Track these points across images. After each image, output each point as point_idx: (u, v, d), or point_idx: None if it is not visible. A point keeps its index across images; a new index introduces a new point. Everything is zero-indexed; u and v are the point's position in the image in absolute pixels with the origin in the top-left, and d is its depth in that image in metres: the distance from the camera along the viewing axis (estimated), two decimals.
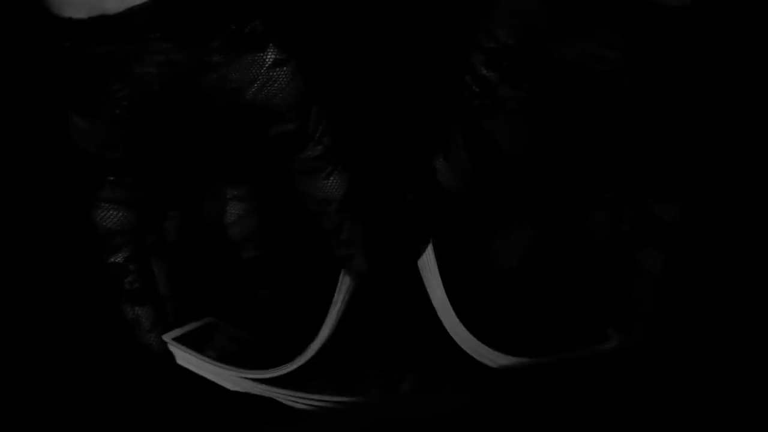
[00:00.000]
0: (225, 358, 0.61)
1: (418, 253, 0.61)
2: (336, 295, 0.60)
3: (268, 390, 0.58)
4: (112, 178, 0.55)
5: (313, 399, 0.57)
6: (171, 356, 0.60)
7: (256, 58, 0.52)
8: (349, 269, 0.60)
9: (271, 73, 0.53)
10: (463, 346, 0.61)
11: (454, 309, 0.61)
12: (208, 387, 0.58)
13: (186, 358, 0.60)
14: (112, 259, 0.58)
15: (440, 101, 0.59)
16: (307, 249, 0.67)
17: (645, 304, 0.61)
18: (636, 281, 0.61)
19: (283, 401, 0.57)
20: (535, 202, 0.65)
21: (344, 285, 0.60)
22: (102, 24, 0.49)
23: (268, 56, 0.52)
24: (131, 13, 0.49)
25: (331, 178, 0.57)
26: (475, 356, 0.60)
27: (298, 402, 0.57)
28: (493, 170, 0.59)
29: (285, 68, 0.53)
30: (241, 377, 0.59)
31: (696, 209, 0.61)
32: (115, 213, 0.57)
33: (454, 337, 0.61)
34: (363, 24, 0.68)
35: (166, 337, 0.60)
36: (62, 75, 0.52)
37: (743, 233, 0.66)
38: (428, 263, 0.61)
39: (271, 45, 0.52)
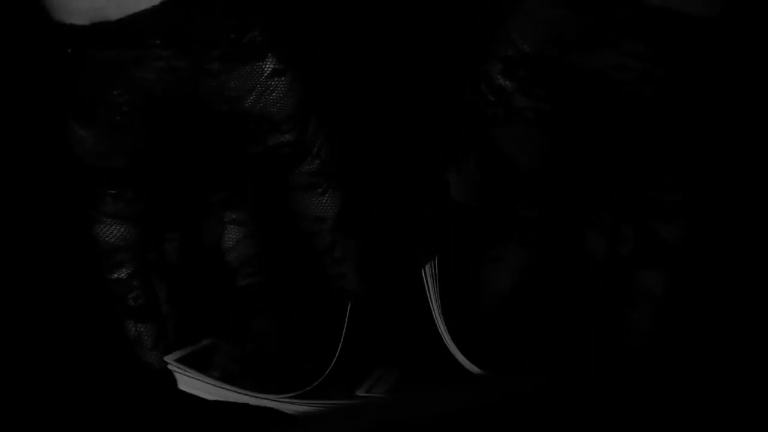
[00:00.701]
0: (228, 378, 0.61)
1: (421, 264, 0.61)
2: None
3: (265, 402, 0.58)
4: (113, 191, 0.56)
5: (312, 405, 0.57)
6: (172, 377, 0.60)
7: (255, 67, 0.54)
8: (342, 288, 0.60)
9: (269, 83, 0.54)
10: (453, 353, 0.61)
11: (448, 328, 0.61)
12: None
13: (188, 382, 0.60)
14: (115, 275, 0.58)
15: (452, 111, 0.59)
16: (305, 274, 0.67)
17: (643, 326, 0.60)
18: (636, 304, 0.60)
19: (282, 409, 0.57)
20: (530, 221, 0.65)
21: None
22: (103, 30, 0.50)
23: (267, 66, 0.54)
24: (132, 19, 0.50)
25: (327, 195, 0.58)
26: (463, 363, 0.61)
27: (297, 410, 0.57)
28: (503, 184, 0.59)
29: (283, 78, 0.54)
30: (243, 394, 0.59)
31: (701, 228, 0.60)
32: (117, 228, 0.57)
33: (453, 353, 0.61)
34: (366, 33, 0.68)
35: (168, 359, 0.60)
36: (64, 82, 0.53)
37: (750, 253, 0.66)
38: (430, 280, 0.61)
39: (269, 55, 0.54)
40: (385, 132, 0.69)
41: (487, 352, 0.62)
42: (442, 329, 0.61)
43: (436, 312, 0.61)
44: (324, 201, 0.58)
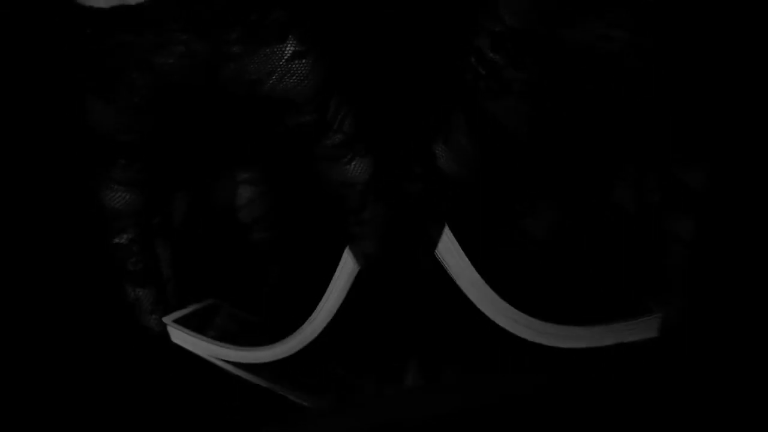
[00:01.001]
0: (225, 337, 0.61)
1: (434, 242, 0.60)
2: (336, 276, 0.60)
3: (265, 381, 0.58)
4: (123, 160, 0.55)
5: (311, 397, 0.57)
6: (169, 337, 0.60)
7: (276, 49, 0.51)
8: (356, 249, 0.60)
9: (290, 65, 0.52)
10: (497, 321, 0.59)
11: (488, 283, 0.60)
12: (207, 385, 0.58)
13: (182, 338, 0.60)
14: (116, 240, 0.58)
15: (446, 86, 0.58)
16: (316, 230, 0.66)
17: (679, 271, 0.60)
18: (669, 249, 0.60)
19: (282, 392, 0.57)
20: (555, 180, 0.64)
21: (347, 268, 0.60)
22: (123, 14, 0.49)
23: (288, 48, 0.52)
24: (152, 3, 0.48)
25: (354, 163, 0.57)
26: (511, 329, 0.59)
27: (296, 396, 0.57)
28: (501, 152, 0.58)
29: (304, 60, 0.52)
30: (240, 361, 0.59)
31: (722, 174, 0.59)
32: (123, 195, 0.56)
33: (488, 312, 0.59)
34: (378, 14, 0.66)
35: (167, 319, 0.60)
36: (82, 60, 0.51)
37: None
38: (450, 249, 0.60)
39: (290, 36, 0.52)
40: (394, 108, 0.67)
41: (530, 297, 0.61)
42: (474, 291, 0.60)
43: (463, 275, 0.60)
44: (351, 168, 0.57)
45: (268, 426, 0.52)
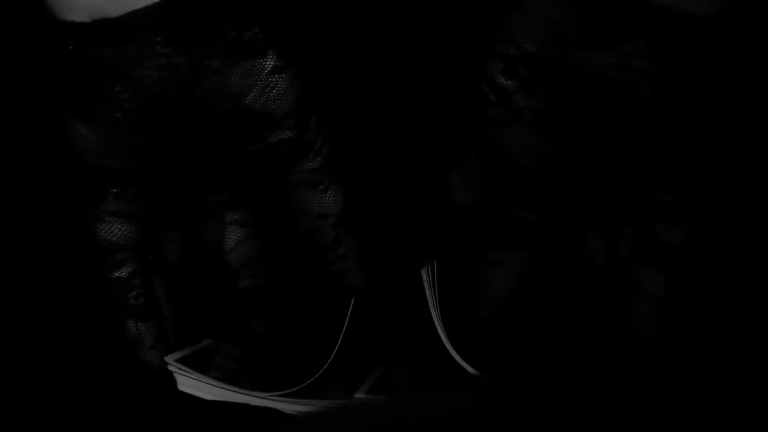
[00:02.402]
0: (228, 379, 0.61)
1: (420, 264, 0.61)
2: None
3: (266, 402, 0.58)
4: (114, 189, 0.56)
5: (311, 404, 0.57)
6: (171, 377, 0.60)
7: (256, 64, 0.54)
8: (344, 285, 0.60)
9: (270, 79, 0.55)
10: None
11: (446, 330, 0.61)
12: None
13: (188, 383, 0.60)
14: (116, 274, 0.58)
15: (453, 112, 0.59)
16: (306, 275, 0.67)
17: (643, 328, 0.60)
18: (636, 305, 0.60)
19: (282, 409, 0.57)
20: (529, 223, 0.65)
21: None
22: (104, 27, 0.51)
23: (268, 62, 0.54)
24: (132, 16, 0.51)
25: (329, 192, 0.58)
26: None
27: (297, 410, 0.57)
28: (504, 185, 0.59)
29: (284, 75, 0.55)
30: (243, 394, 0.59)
31: (701, 230, 0.60)
32: (119, 227, 0.57)
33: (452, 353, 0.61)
34: (367, 30, 0.68)
35: (169, 359, 0.60)
36: (64, 79, 0.53)
37: (749, 254, 0.65)
38: (428, 281, 0.61)
39: (270, 51, 0.54)
40: (387, 131, 0.69)
41: (486, 356, 0.62)
42: (441, 332, 0.61)
43: (435, 315, 0.61)
44: (326, 198, 0.58)
45: (268, 428, 0.52)
